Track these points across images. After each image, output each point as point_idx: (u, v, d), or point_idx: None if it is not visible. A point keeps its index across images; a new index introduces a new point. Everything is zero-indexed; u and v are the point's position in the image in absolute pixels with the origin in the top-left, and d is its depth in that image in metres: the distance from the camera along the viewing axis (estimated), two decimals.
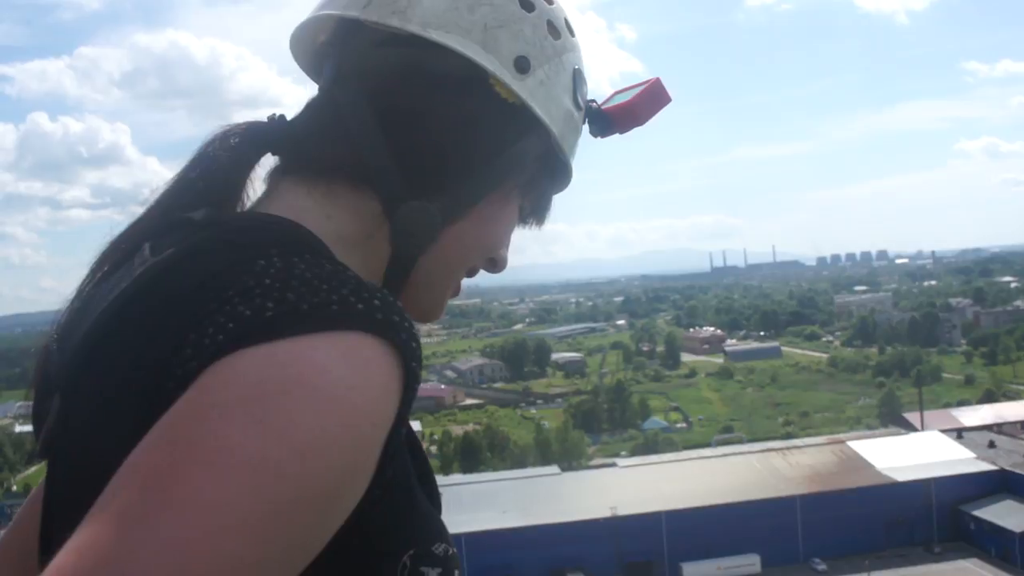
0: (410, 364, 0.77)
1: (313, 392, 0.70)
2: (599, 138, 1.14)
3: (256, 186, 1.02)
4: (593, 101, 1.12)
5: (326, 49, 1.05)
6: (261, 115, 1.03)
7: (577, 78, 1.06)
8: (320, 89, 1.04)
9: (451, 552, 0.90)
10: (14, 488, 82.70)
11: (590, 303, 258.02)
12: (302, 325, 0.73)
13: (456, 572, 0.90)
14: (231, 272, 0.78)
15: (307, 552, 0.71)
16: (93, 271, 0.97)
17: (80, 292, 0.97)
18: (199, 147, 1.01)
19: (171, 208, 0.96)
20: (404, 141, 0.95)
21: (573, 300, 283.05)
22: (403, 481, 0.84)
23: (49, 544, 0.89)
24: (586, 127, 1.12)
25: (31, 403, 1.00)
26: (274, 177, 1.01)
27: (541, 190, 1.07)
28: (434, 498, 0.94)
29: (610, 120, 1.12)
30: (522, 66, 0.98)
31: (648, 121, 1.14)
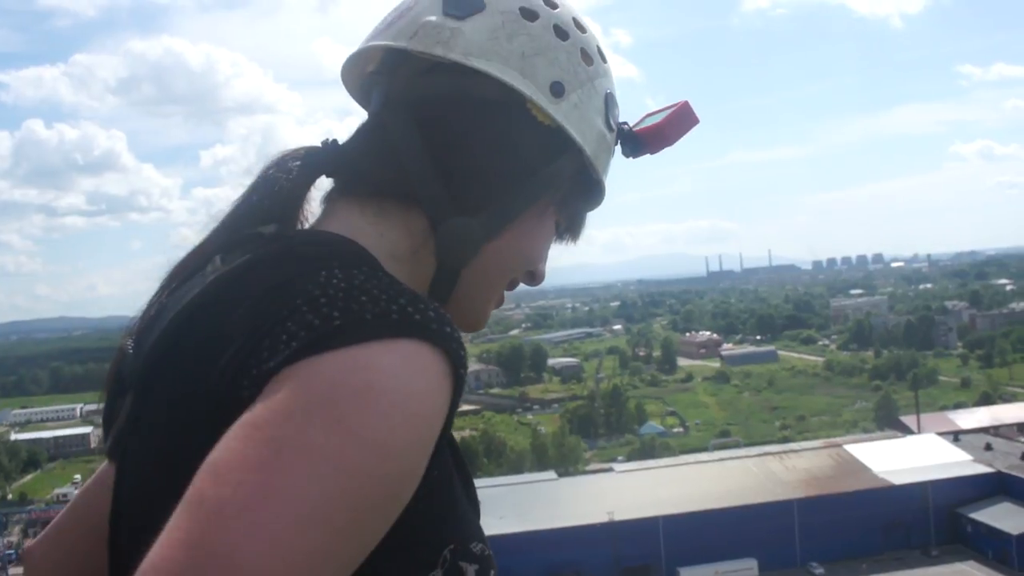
0: (459, 371, 0.83)
1: (383, 395, 0.75)
2: (631, 158, 1.21)
3: (313, 207, 1.09)
4: (625, 123, 1.19)
5: (374, 78, 1.11)
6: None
7: (609, 101, 1.12)
8: (370, 115, 1.10)
9: (487, 553, 0.95)
10: (9, 496, 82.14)
11: (586, 308, 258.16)
12: (367, 333, 0.78)
13: (492, 572, 0.95)
14: (298, 282, 0.84)
15: (371, 546, 0.77)
16: (164, 285, 1.05)
17: (154, 302, 1.04)
18: (260, 171, 1.08)
19: (237, 227, 1.03)
20: (448, 162, 1.02)
21: (569, 305, 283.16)
22: (446, 480, 0.90)
23: (117, 538, 0.97)
24: (619, 148, 1.18)
25: (103, 403, 1.06)
26: (330, 198, 1.08)
27: (576, 207, 1.13)
28: (473, 502, 1.01)
29: (641, 141, 1.18)
30: (557, 91, 1.05)
31: (677, 142, 1.19)
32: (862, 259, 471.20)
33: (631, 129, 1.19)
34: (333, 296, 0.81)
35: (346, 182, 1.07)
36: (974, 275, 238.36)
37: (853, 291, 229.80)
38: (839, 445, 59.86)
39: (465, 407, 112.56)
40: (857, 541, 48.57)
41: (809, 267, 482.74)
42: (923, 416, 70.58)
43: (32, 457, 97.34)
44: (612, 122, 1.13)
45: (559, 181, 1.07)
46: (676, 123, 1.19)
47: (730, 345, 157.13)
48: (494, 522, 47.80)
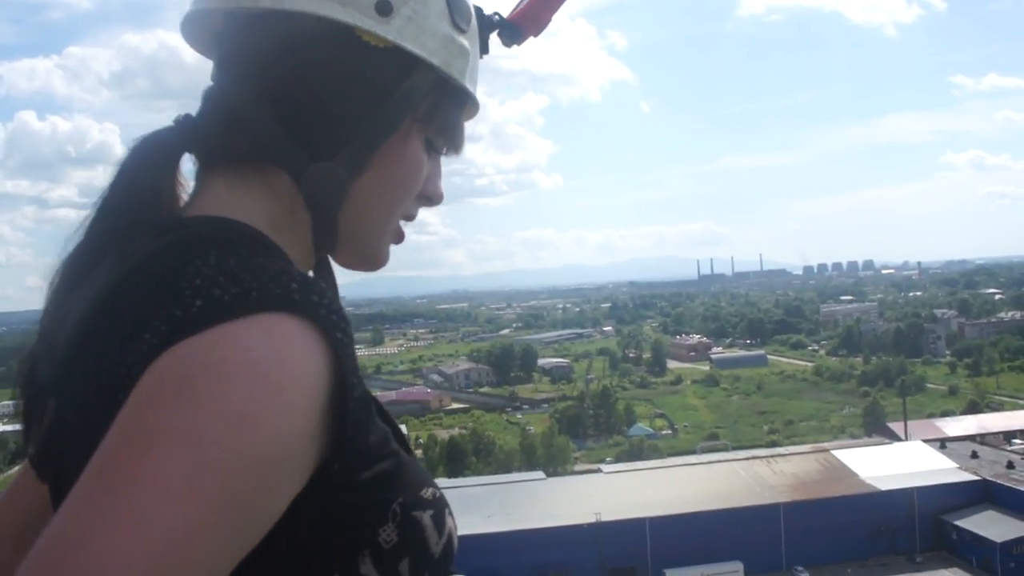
0: (334, 335, 0.83)
1: (238, 369, 0.75)
2: (515, 45, 1.19)
3: (188, 187, 1.07)
4: (496, 14, 1.17)
5: (213, 43, 1.08)
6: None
7: (451, 2, 1.07)
8: (211, 80, 1.07)
9: (439, 494, 0.98)
10: None
11: (577, 309, 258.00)
12: (224, 314, 0.79)
13: (447, 511, 0.98)
14: (171, 276, 0.84)
15: (263, 514, 0.77)
16: (59, 283, 1.02)
17: (55, 296, 1.02)
18: (115, 168, 1.04)
19: (114, 219, 0.99)
20: (292, 111, 0.99)
21: (560, 306, 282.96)
22: (376, 439, 0.91)
23: None
24: (499, 40, 1.17)
25: (19, 406, 1.07)
26: (197, 175, 1.06)
27: (444, 120, 1.08)
28: (410, 452, 1.02)
29: (515, 26, 1.17)
30: (384, 9, 1.00)
31: (551, 18, 1.17)
32: (853, 265, 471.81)
33: (501, 18, 1.16)
34: (199, 285, 0.82)
35: (203, 157, 1.05)
36: (964, 284, 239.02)
37: (843, 297, 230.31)
38: (826, 450, 59.98)
39: (455, 405, 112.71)
40: (843, 546, 48.72)
41: (800, 272, 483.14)
42: (910, 423, 70.84)
43: (20, 449, 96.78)
44: (460, 22, 1.07)
45: (416, 99, 1.03)
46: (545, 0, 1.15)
47: (720, 348, 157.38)
48: (481, 521, 47.82)
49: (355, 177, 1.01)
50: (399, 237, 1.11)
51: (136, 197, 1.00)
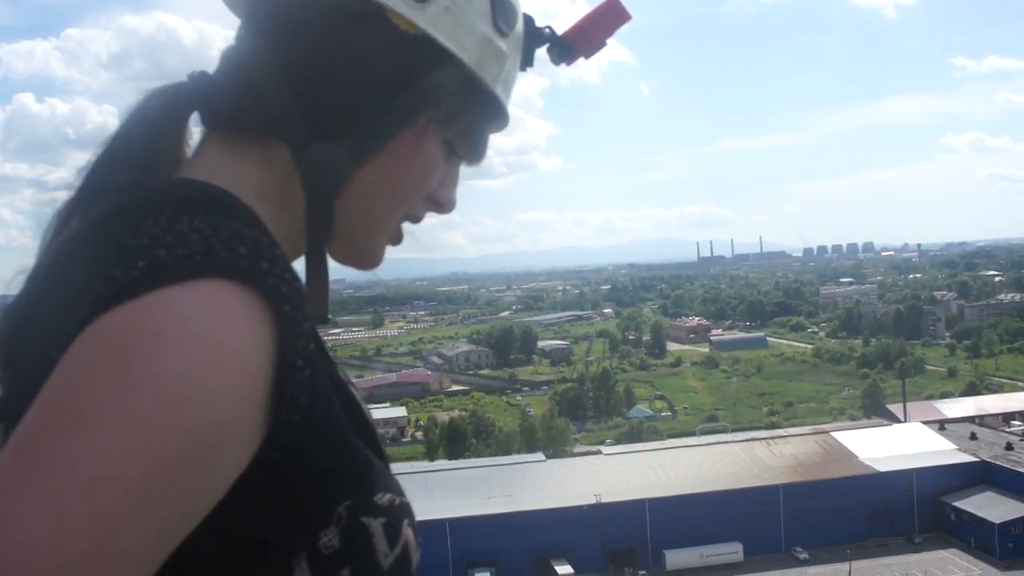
0: (282, 308, 0.78)
1: (174, 342, 0.70)
2: (564, 64, 1.09)
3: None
4: (548, 27, 1.09)
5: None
6: None
7: (497, 2, 1.00)
8: (235, 39, 1.01)
9: (399, 502, 0.90)
10: None
11: (577, 291, 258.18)
12: (165, 277, 0.73)
13: (406, 521, 0.90)
14: (119, 236, 0.79)
15: (198, 501, 0.73)
16: (41, 244, 0.98)
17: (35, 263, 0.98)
18: (124, 116, 0.99)
19: (98, 179, 0.95)
20: (306, 85, 0.93)
21: (560, 288, 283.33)
22: (329, 431, 0.84)
23: None
24: (547, 56, 1.09)
25: None
26: (202, 137, 1.00)
27: (468, 124, 1.01)
28: (380, 453, 0.95)
29: (567, 44, 1.08)
30: None
31: (606, 40, 1.09)
32: (852, 247, 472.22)
33: (553, 32, 1.08)
34: (145, 245, 0.77)
35: (209, 118, 0.99)
36: (963, 266, 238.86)
37: (843, 279, 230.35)
38: (826, 432, 60.22)
39: (455, 388, 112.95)
40: (842, 527, 48.92)
41: (800, 254, 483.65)
42: (909, 405, 70.97)
43: None
44: (502, 25, 1.00)
45: (439, 96, 0.96)
46: (602, 20, 1.08)
47: (720, 330, 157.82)
48: (481, 502, 48.02)
49: (359, 165, 0.95)
50: (397, 239, 1.04)
51: (130, 155, 0.95)
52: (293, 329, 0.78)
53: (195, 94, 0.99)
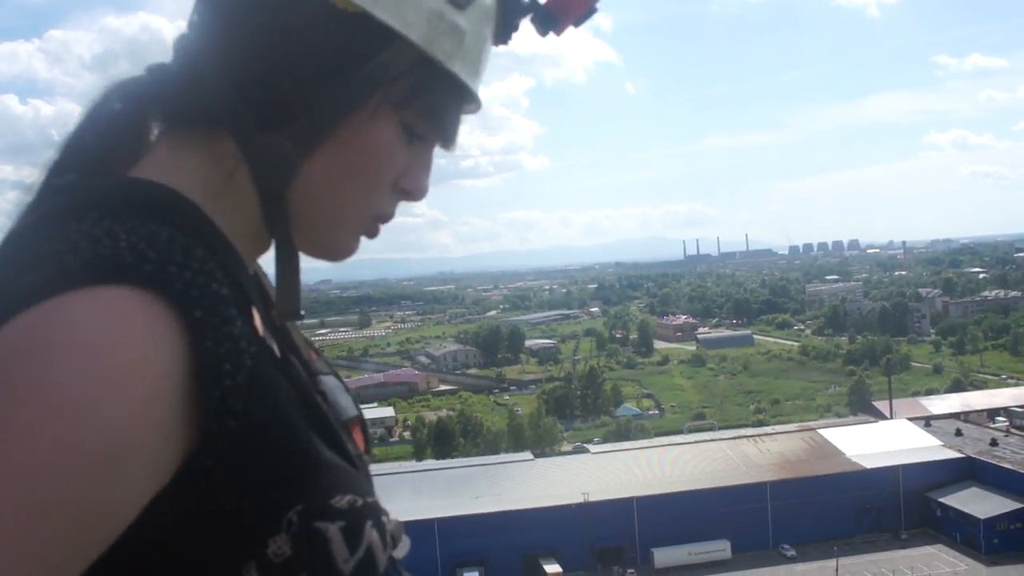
0: (191, 314, 0.74)
1: (64, 352, 0.68)
2: (553, 34, 1.03)
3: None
4: None
5: None
6: None
7: None
8: (187, 27, 0.97)
9: (360, 503, 0.86)
10: None
11: (564, 290, 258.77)
12: (66, 284, 0.71)
13: (369, 523, 0.86)
14: (40, 241, 0.76)
15: (104, 516, 0.70)
16: None
17: None
18: (84, 110, 0.96)
19: (45, 179, 0.92)
20: (247, 71, 0.89)
21: (547, 287, 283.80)
22: (276, 433, 0.81)
23: None
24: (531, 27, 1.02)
25: None
26: (158, 133, 0.96)
27: (427, 105, 0.95)
28: (343, 453, 0.91)
29: (550, 13, 1.01)
30: None
31: (595, 5, 1.03)
32: (838, 245, 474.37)
33: (535, 1, 1.00)
34: (58, 251, 0.74)
35: (160, 112, 0.95)
36: (948, 263, 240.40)
37: (829, 277, 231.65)
38: (812, 429, 60.43)
39: (442, 387, 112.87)
40: (829, 524, 49.05)
41: (786, 252, 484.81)
42: (895, 401, 71.33)
43: None
44: None
45: (387, 77, 0.90)
46: None
47: (706, 329, 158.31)
48: (469, 502, 47.97)
49: (307, 153, 0.90)
50: (371, 231, 1.00)
51: (81, 155, 0.92)
52: (208, 335, 0.75)
53: (150, 88, 0.95)
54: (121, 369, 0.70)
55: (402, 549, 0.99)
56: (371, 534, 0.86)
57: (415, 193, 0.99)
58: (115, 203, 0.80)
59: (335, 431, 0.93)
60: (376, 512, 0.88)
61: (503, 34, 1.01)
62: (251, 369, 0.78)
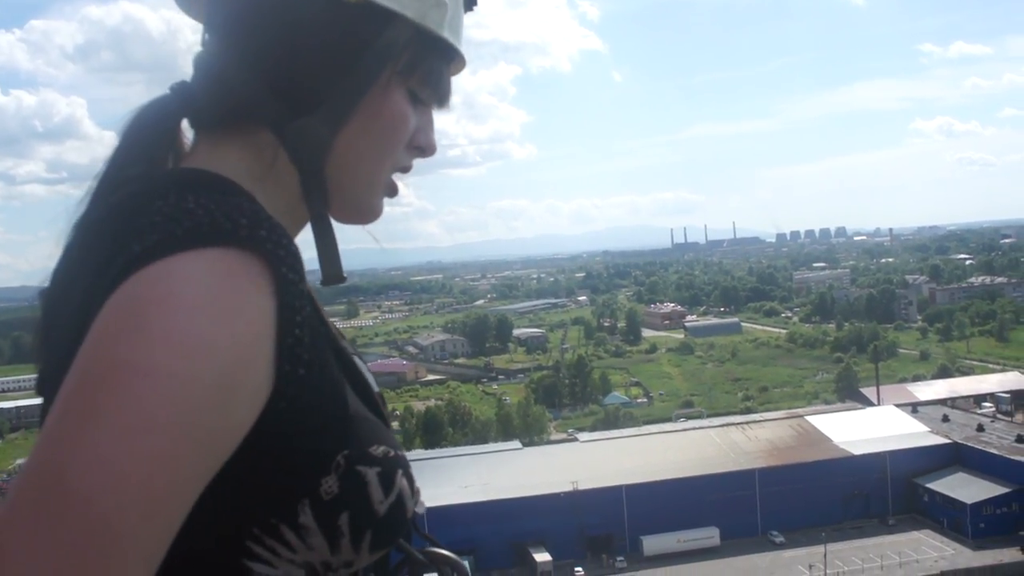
0: (279, 269, 0.86)
1: (183, 300, 0.79)
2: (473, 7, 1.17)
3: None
4: None
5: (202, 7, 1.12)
6: None
7: None
8: (201, 45, 1.10)
9: (393, 454, 0.98)
10: None
11: (552, 279, 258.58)
12: (175, 247, 0.82)
13: (400, 472, 0.98)
14: (133, 217, 0.88)
15: (223, 441, 0.81)
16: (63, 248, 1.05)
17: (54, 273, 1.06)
18: (121, 128, 1.08)
19: (114, 171, 1.05)
20: (273, 70, 1.01)
21: (535, 276, 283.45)
22: (328, 386, 0.93)
23: None
24: None
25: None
26: (193, 140, 1.10)
27: (426, 71, 1.09)
28: (379, 413, 1.06)
29: None
30: None
31: None
32: (825, 232, 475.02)
33: None
34: (158, 222, 0.85)
35: (194, 122, 1.08)
36: (935, 249, 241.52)
37: (816, 264, 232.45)
38: (800, 416, 60.65)
39: (430, 377, 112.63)
40: (817, 510, 49.24)
41: (773, 240, 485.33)
42: (883, 388, 71.68)
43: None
44: None
45: (393, 51, 1.04)
46: None
47: (694, 317, 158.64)
48: (458, 491, 47.88)
49: (337, 131, 1.03)
50: (392, 190, 1.13)
51: (136, 153, 1.04)
52: (291, 290, 0.86)
53: (179, 103, 1.07)
54: (229, 314, 0.81)
55: (420, 507, 1.09)
56: (402, 481, 0.98)
57: (429, 149, 1.13)
58: (191, 183, 0.93)
59: (371, 391, 1.07)
60: (405, 464, 1.00)
61: (470, 3, 1.16)
62: (310, 325, 0.89)
